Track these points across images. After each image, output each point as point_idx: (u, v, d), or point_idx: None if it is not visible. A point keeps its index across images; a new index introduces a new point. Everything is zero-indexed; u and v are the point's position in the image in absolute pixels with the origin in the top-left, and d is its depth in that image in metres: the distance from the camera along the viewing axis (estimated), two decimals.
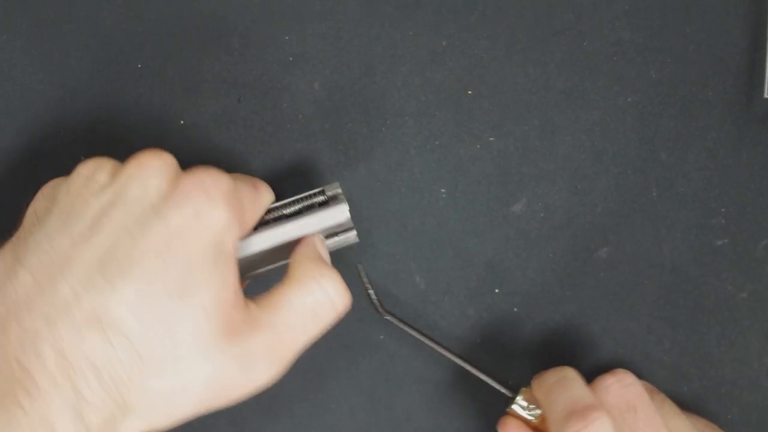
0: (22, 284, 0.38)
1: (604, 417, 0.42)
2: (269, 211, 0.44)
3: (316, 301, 0.41)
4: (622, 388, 0.44)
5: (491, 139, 0.49)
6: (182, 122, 0.49)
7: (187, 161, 0.44)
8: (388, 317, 0.46)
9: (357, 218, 0.48)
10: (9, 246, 0.41)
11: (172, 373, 0.38)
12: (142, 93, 0.49)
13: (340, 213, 0.44)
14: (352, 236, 0.44)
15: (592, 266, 0.48)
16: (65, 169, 0.47)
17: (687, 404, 0.48)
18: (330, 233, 0.44)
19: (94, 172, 0.41)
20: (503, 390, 0.46)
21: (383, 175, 0.49)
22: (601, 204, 0.48)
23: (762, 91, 0.48)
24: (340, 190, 0.44)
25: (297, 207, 0.44)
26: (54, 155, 0.48)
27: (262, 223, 0.44)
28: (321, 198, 0.44)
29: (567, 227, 0.48)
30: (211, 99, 0.49)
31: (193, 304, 0.38)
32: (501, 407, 0.46)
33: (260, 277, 0.44)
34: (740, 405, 0.48)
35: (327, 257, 0.43)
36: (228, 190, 0.41)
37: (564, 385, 0.44)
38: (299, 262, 0.42)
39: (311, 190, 0.45)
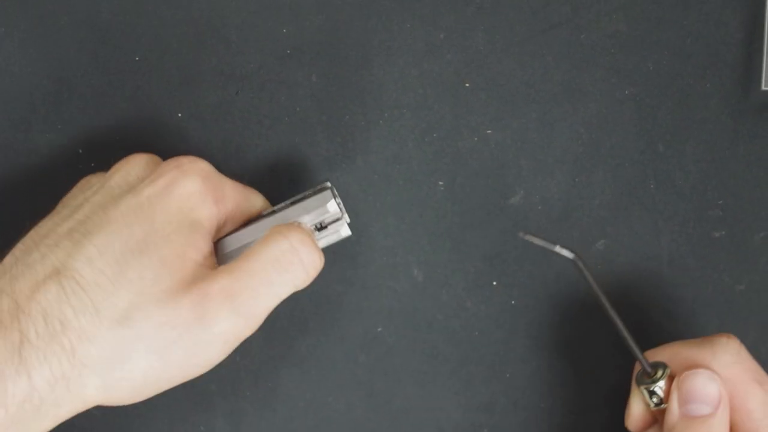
0: (3, 264, 0.40)
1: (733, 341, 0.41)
2: (262, 215, 0.45)
3: (279, 250, 0.41)
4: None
5: (489, 131, 0.49)
6: (180, 115, 0.49)
7: (184, 154, 0.44)
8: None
9: (354, 211, 0.48)
10: None
11: (125, 320, 0.38)
12: (140, 86, 0.49)
13: (323, 198, 0.44)
14: (343, 228, 0.44)
15: (589, 259, 0.48)
16: (62, 162, 0.47)
17: None
18: (318, 225, 0.44)
19: (89, 179, 0.45)
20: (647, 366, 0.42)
21: (381, 168, 0.49)
22: (598, 196, 0.48)
23: (759, 83, 0.48)
24: (328, 184, 0.45)
25: (288, 206, 0.45)
26: (51, 148, 0.48)
27: (253, 221, 0.45)
28: (310, 194, 0.45)
29: (565, 220, 0.48)
30: (209, 92, 0.49)
31: (153, 259, 0.39)
32: (501, 402, 0.46)
33: None
34: None
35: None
36: (204, 170, 0.42)
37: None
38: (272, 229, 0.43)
39: (308, 182, 0.45)
